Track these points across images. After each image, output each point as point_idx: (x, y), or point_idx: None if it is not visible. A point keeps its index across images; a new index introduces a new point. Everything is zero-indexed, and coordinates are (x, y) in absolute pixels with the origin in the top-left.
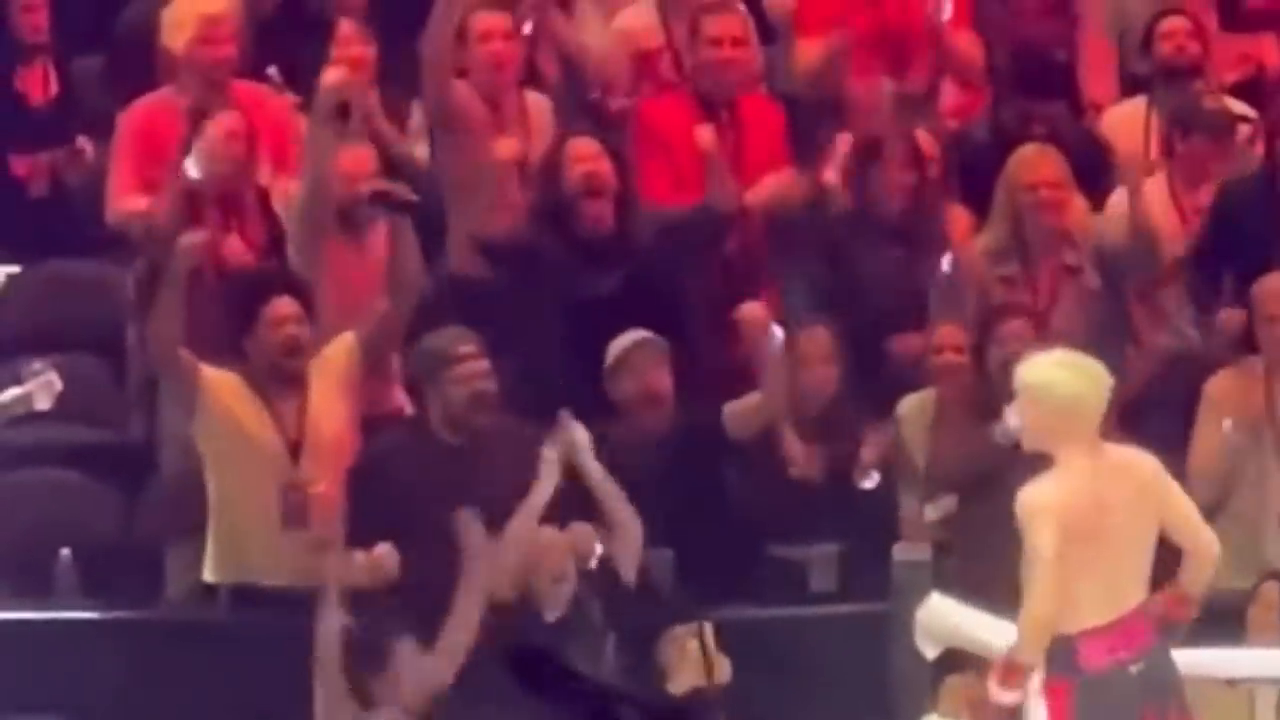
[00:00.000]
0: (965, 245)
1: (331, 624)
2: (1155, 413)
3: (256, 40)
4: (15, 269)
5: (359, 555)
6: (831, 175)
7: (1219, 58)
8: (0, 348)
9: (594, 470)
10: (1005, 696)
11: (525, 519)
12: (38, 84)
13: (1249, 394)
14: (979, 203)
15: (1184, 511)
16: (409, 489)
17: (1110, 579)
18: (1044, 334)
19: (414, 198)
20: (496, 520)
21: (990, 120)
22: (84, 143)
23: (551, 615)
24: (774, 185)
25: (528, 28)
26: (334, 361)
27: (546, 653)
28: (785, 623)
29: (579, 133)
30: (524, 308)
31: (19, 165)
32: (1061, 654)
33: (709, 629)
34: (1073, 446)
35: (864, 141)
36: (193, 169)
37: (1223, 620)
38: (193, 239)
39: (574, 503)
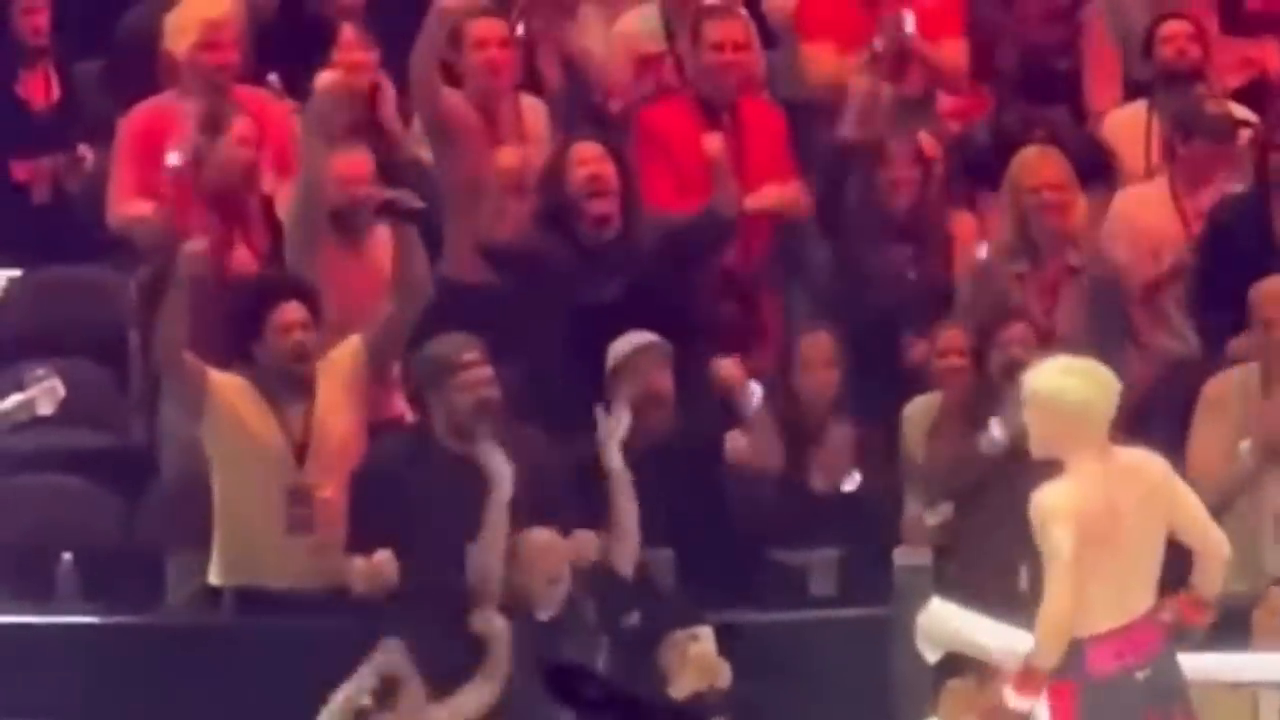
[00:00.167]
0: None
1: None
2: (1153, 416)
3: (258, 45)
4: (17, 273)
5: (358, 561)
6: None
7: (1221, 61)
8: (2, 352)
9: (617, 462)
10: (1022, 704)
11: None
12: (40, 89)
13: (1246, 397)
14: (981, 207)
15: (1192, 513)
16: (412, 496)
17: (1121, 583)
18: (1047, 336)
19: (421, 204)
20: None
21: (992, 124)
22: (84, 150)
23: (545, 615)
24: (777, 195)
25: (520, 29)
26: (341, 365)
27: (582, 667)
28: (786, 627)
29: (582, 137)
30: (526, 312)
31: (21, 170)
32: (1069, 657)
33: (708, 633)
34: (1083, 452)
35: (864, 144)
36: (173, 158)
37: (1226, 624)
38: (197, 245)
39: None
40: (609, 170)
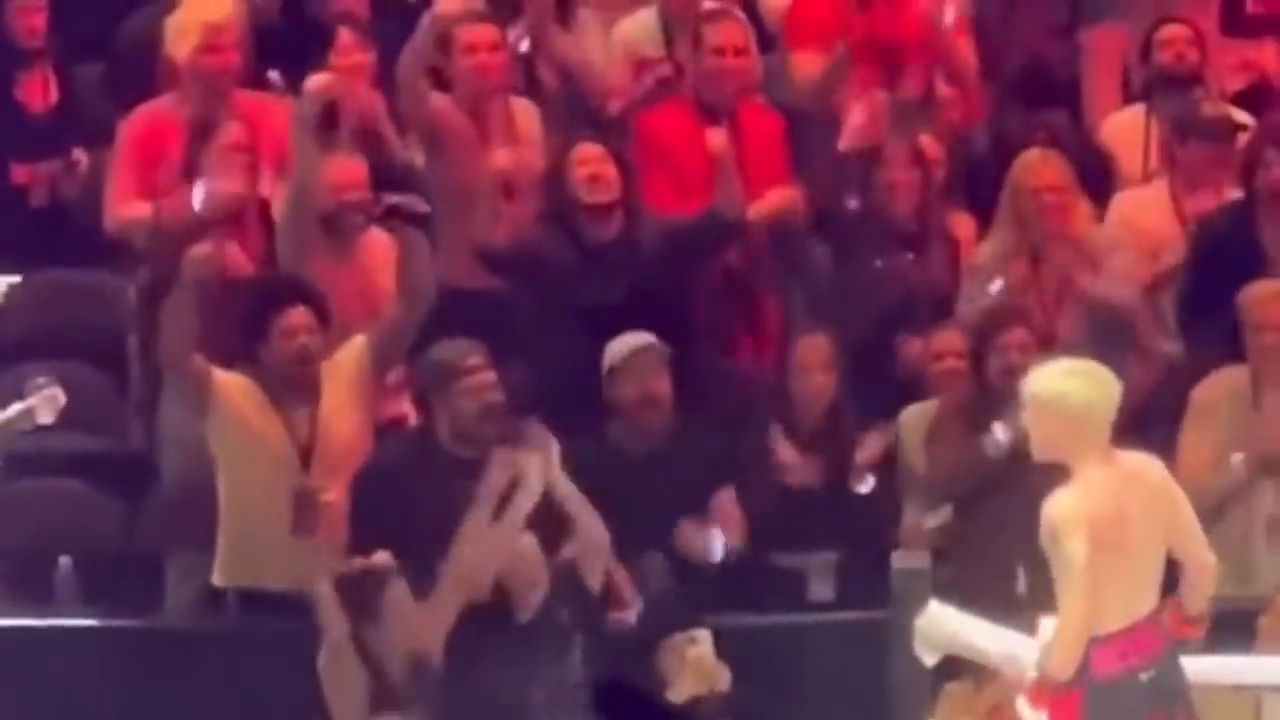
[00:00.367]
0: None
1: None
2: (1148, 421)
3: (258, 48)
4: (16, 278)
5: (357, 562)
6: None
7: (1220, 64)
8: (2, 356)
9: (560, 482)
10: (1037, 716)
11: (510, 524)
12: (38, 92)
13: (1235, 402)
14: (982, 210)
15: (1186, 526)
16: (414, 500)
17: (1127, 586)
18: (1047, 339)
19: (426, 208)
20: None
21: (992, 128)
22: (80, 155)
23: (523, 618)
24: (778, 201)
25: (524, 44)
26: (345, 367)
27: (625, 682)
28: (784, 631)
29: (583, 138)
30: (526, 314)
31: (19, 173)
32: None
33: (706, 636)
34: (1087, 456)
35: (864, 148)
36: (198, 200)
37: (1230, 628)
38: (202, 250)
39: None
40: (610, 171)
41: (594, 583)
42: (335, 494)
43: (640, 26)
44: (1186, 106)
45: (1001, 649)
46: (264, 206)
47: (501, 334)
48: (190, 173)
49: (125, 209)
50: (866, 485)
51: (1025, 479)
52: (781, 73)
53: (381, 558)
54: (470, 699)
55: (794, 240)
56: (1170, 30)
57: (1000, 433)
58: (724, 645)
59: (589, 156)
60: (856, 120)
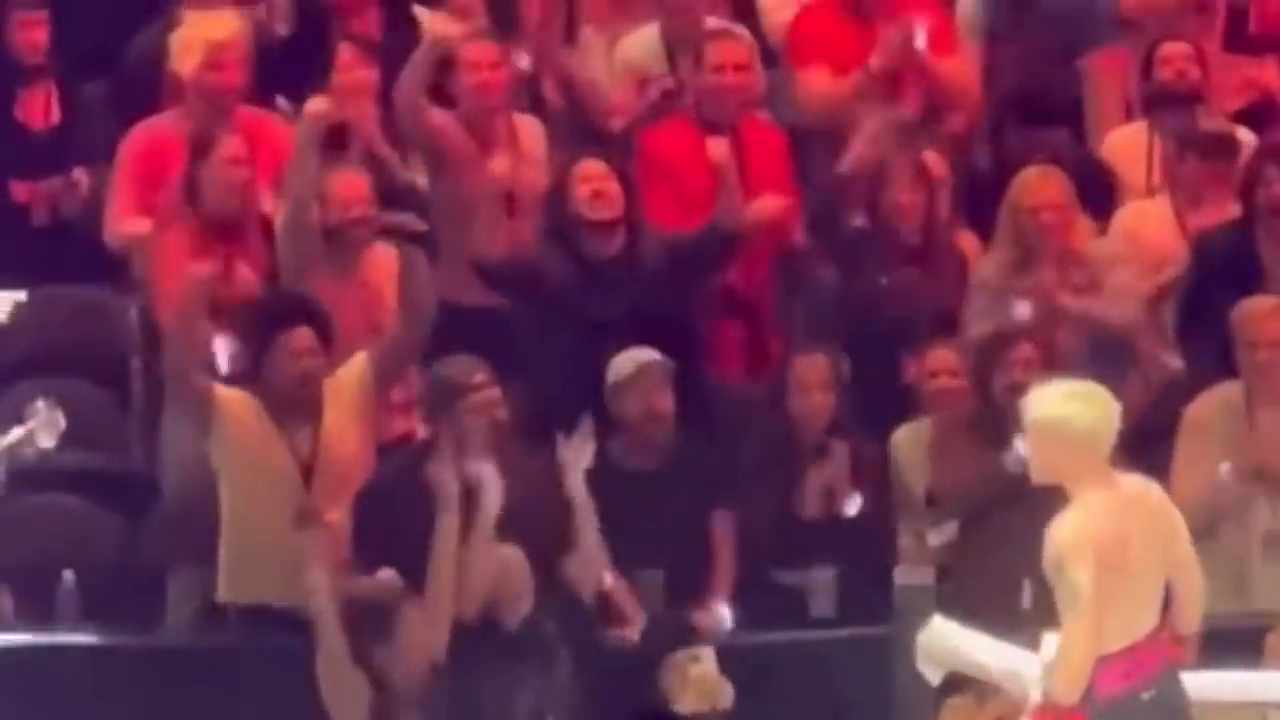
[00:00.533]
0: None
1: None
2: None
3: (263, 65)
4: (19, 295)
5: (363, 580)
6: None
7: (1222, 81)
8: (3, 373)
9: (579, 491)
10: None
11: (481, 538)
12: (39, 110)
13: (1229, 418)
14: (983, 227)
15: (1182, 551)
16: (418, 516)
17: (1128, 607)
18: (1048, 356)
19: (424, 227)
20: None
21: (993, 146)
22: (80, 174)
23: (509, 628)
24: (775, 205)
25: (527, 62)
26: (348, 385)
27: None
28: (786, 647)
29: (587, 154)
30: (526, 329)
31: (20, 191)
32: None
33: (709, 654)
34: (1087, 479)
35: (868, 166)
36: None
37: (1236, 644)
38: (202, 268)
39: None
40: (613, 188)
41: (586, 596)
42: (337, 513)
43: (643, 44)
44: (1187, 123)
45: (1004, 665)
46: (265, 223)
47: (504, 350)
48: (190, 188)
49: (125, 224)
50: (854, 506)
51: (1030, 493)
52: (785, 89)
53: (390, 576)
54: (456, 708)
55: (797, 257)
56: (1171, 48)
57: (1022, 448)
58: (727, 662)
59: (592, 173)
60: (857, 149)
